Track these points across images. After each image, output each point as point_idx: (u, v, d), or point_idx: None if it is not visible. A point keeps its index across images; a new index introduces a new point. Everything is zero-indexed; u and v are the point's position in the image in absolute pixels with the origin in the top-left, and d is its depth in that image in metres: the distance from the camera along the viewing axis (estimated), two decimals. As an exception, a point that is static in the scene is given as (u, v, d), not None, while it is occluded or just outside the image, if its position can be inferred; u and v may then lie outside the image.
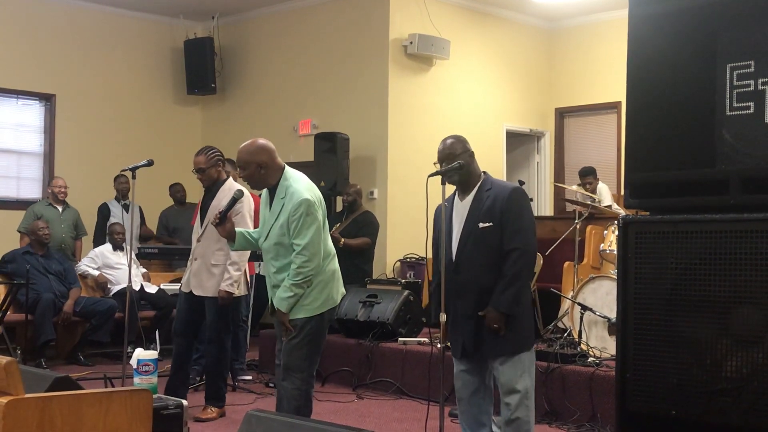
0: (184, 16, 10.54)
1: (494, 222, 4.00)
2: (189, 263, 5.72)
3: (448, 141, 4.17)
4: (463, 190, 4.16)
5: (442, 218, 4.12)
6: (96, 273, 8.31)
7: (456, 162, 4.13)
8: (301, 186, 4.31)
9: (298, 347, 4.31)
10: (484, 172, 4.19)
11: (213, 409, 5.67)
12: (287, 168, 4.40)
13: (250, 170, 4.32)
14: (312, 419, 3.70)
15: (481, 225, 4.00)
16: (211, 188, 5.65)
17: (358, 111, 9.35)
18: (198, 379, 6.39)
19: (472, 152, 4.18)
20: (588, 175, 9.00)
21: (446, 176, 4.12)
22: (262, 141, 4.40)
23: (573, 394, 5.60)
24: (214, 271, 5.55)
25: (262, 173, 4.32)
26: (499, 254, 4.00)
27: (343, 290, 4.51)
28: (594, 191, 8.84)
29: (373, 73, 9.26)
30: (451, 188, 4.22)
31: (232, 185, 5.61)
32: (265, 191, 4.46)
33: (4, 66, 9.43)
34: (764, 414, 2.69)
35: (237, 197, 4.52)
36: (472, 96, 9.90)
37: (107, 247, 8.45)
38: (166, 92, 10.68)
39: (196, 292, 5.59)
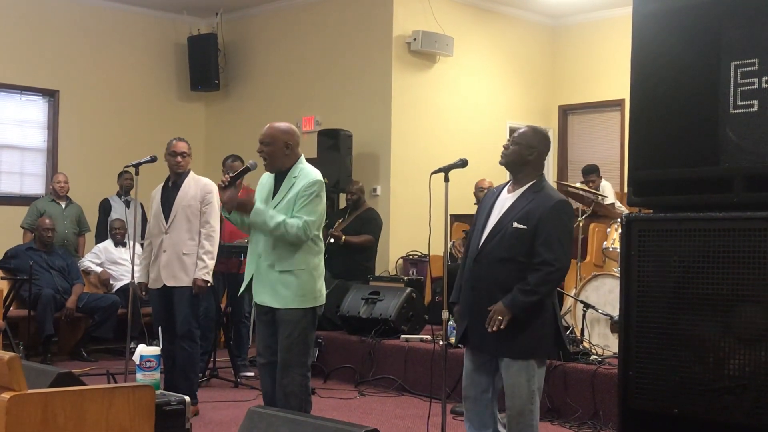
0: (188, 12, 10.54)
1: (529, 227, 3.81)
2: (154, 257, 5.62)
3: (524, 128, 4.03)
4: (513, 183, 3.99)
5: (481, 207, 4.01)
6: (99, 270, 8.32)
7: (460, 159, 4.13)
8: (316, 171, 4.42)
9: (297, 343, 4.32)
10: (541, 175, 3.98)
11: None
12: (303, 157, 4.49)
13: (276, 146, 4.34)
14: (314, 416, 3.71)
15: (515, 224, 3.84)
16: (176, 181, 5.65)
17: (361, 108, 9.35)
18: (201, 375, 6.39)
19: (541, 150, 3.96)
20: (591, 173, 8.99)
21: (449, 172, 4.11)
22: (293, 125, 4.48)
23: (575, 392, 5.60)
24: (187, 261, 5.51)
25: (287, 153, 4.36)
26: (522, 257, 3.83)
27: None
28: (597, 189, 8.82)
29: (376, 70, 9.25)
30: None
31: (197, 179, 5.65)
32: (267, 176, 4.48)
33: (8, 62, 9.43)
34: (767, 412, 2.69)
35: (251, 167, 4.46)
36: (476, 93, 9.89)
37: (110, 242, 8.47)
38: (169, 88, 10.68)
39: (168, 284, 5.53)
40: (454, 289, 4.13)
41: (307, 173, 4.36)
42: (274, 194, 4.38)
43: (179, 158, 5.61)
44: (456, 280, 4.14)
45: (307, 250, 4.36)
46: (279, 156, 4.34)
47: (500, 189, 4.07)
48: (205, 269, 5.51)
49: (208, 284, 5.57)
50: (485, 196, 4.14)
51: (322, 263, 4.47)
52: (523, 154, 3.91)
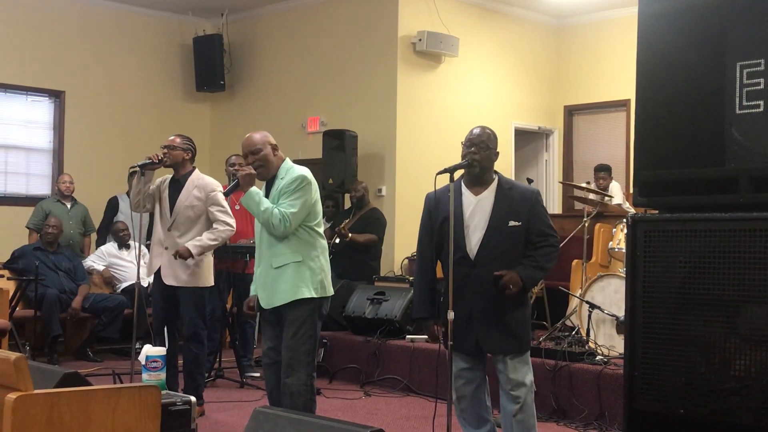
0: (193, 13, 10.55)
1: (522, 222, 4.09)
2: (156, 251, 5.60)
3: (478, 130, 4.15)
4: (475, 184, 4.16)
5: (450, 207, 4.03)
6: (101, 267, 8.34)
7: (465, 160, 4.13)
8: (302, 169, 4.48)
9: (302, 342, 4.33)
10: (495, 171, 4.21)
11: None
12: (287, 159, 4.57)
13: (266, 151, 4.42)
14: (320, 416, 3.71)
15: (511, 223, 4.08)
16: (178, 177, 5.64)
17: (366, 108, 9.35)
18: (206, 375, 6.38)
19: (497, 152, 4.20)
20: (602, 171, 9.04)
21: (453, 172, 4.11)
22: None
23: (581, 393, 5.60)
24: (188, 262, 5.49)
25: (276, 155, 4.46)
26: (520, 253, 4.11)
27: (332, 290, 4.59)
28: (606, 188, 8.85)
29: (381, 71, 9.25)
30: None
31: (200, 177, 5.64)
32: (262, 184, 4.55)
33: (14, 63, 9.46)
34: (773, 413, 2.68)
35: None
36: (481, 93, 9.89)
37: (113, 245, 8.48)
38: (175, 89, 10.70)
39: (167, 282, 5.51)
40: (423, 304, 4.24)
41: (293, 171, 4.42)
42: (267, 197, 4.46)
43: (165, 150, 5.61)
44: (421, 294, 4.26)
45: (302, 242, 4.39)
46: (270, 159, 4.44)
47: (456, 190, 4.13)
48: (199, 242, 5.46)
49: (190, 256, 5.44)
50: (437, 200, 4.16)
51: (323, 258, 4.48)
52: (492, 153, 4.15)
